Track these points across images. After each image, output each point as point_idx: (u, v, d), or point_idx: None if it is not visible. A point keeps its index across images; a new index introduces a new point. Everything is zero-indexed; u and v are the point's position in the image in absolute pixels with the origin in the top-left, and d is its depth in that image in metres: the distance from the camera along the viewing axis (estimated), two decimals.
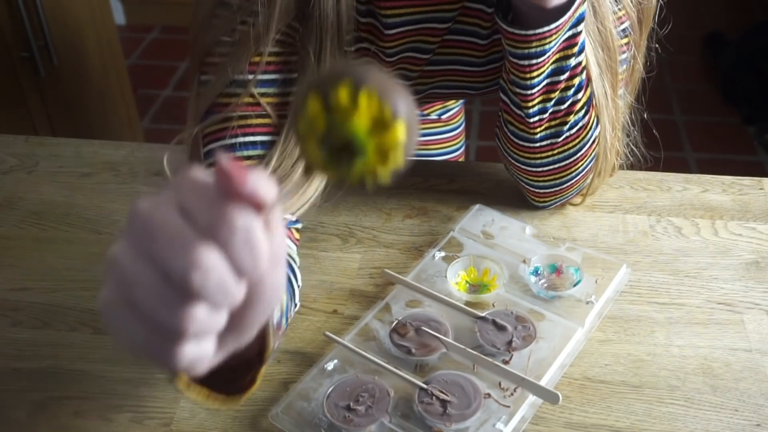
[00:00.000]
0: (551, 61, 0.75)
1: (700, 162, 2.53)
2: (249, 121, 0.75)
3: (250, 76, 0.74)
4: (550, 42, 0.72)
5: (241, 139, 0.75)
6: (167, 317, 0.36)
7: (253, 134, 0.75)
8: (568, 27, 0.72)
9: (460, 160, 1.25)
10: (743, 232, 0.88)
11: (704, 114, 2.75)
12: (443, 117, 1.14)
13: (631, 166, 0.90)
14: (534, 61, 0.74)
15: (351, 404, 0.67)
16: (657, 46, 0.83)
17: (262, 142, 0.75)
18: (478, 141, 2.62)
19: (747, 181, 0.96)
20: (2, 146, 1.03)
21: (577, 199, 0.91)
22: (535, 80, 0.75)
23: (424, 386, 0.69)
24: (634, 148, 0.87)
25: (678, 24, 0.83)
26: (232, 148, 0.75)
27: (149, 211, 0.36)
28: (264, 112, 0.75)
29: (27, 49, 1.78)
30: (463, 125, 1.23)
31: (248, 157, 0.75)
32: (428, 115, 1.13)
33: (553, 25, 0.71)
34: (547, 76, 0.76)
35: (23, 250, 0.87)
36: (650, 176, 0.96)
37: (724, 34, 2.88)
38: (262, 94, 0.75)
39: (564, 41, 0.74)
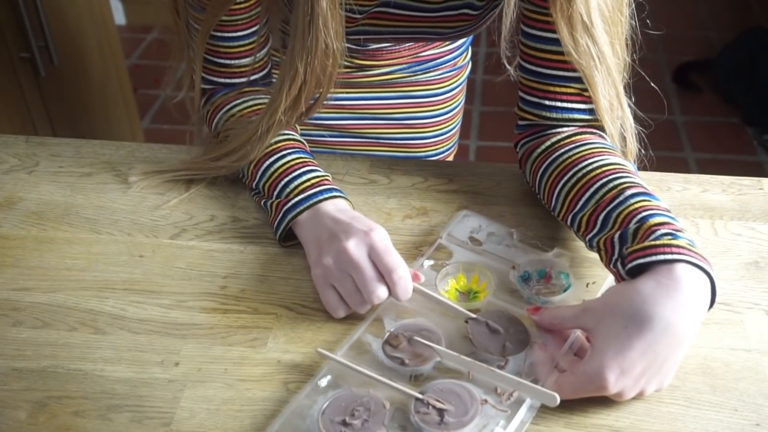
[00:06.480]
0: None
1: (700, 162, 2.53)
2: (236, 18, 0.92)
3: None
4: None
5: (231, 34, 0.95)
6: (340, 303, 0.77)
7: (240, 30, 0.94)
8: None
9: (449, 159, 1.25)
10: (743, 232, 0.88)
11: (704, 114, 2.76)
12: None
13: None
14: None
15: (347, 419, 0.66)
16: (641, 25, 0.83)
17: (247, 35, 0.94)
18: (478, 141, 2.62)
19: (747, 181, 0.96)
20: (2, 146, 1.03)
21: None
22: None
23: (420, 396, 0.68)
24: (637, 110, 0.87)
25: (677, 24, 0.83)
26: (220, 39, 0.95)
27: (355, 253, 0.76)
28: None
29: (27, 49, 1.78)
30: (455, 128, 1.23)
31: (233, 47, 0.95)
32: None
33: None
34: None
35: (23, 250, 0.87)
36: (650, 176, 0.96)
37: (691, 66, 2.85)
38: None
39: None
